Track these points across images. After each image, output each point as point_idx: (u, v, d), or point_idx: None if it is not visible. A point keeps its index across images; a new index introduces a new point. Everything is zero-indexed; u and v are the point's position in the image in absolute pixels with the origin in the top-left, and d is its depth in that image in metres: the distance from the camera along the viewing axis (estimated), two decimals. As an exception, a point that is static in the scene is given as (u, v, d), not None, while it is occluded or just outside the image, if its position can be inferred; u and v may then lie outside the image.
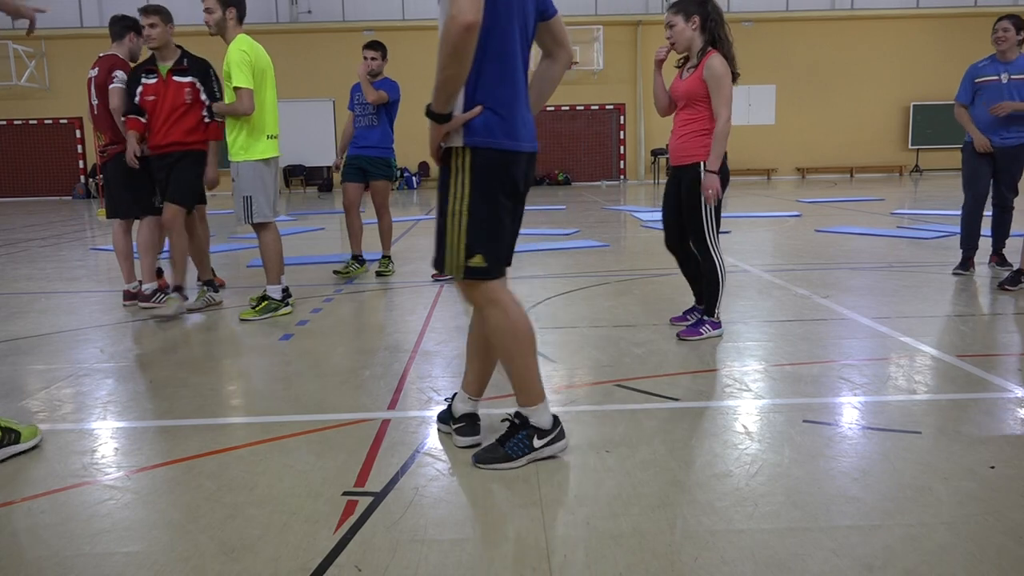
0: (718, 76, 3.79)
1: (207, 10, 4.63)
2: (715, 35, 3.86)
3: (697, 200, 3.95)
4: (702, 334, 4.02)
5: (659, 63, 4.09)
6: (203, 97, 5.03)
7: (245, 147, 4.76)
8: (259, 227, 4.89)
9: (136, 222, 5.40)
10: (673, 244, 4.25)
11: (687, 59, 4.00)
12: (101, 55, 5.35)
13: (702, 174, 3.91)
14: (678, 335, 4.06)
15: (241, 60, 4.58)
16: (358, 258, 6.50)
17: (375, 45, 6.19)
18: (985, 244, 5.92)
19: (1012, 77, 5.43)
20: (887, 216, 10.57)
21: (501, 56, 2.30)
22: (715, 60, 3.81)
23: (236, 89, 4.61)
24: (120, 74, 5.18)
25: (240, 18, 4.73)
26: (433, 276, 6.04)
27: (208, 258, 5.42)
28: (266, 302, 4.88)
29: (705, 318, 4.09)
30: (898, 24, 21.99)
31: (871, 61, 22.13)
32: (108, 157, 5.29)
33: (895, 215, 10.68)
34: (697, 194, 3.94)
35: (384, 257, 6.47)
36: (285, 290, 5.02)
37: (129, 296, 5.37)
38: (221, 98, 4.94)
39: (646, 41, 22.13)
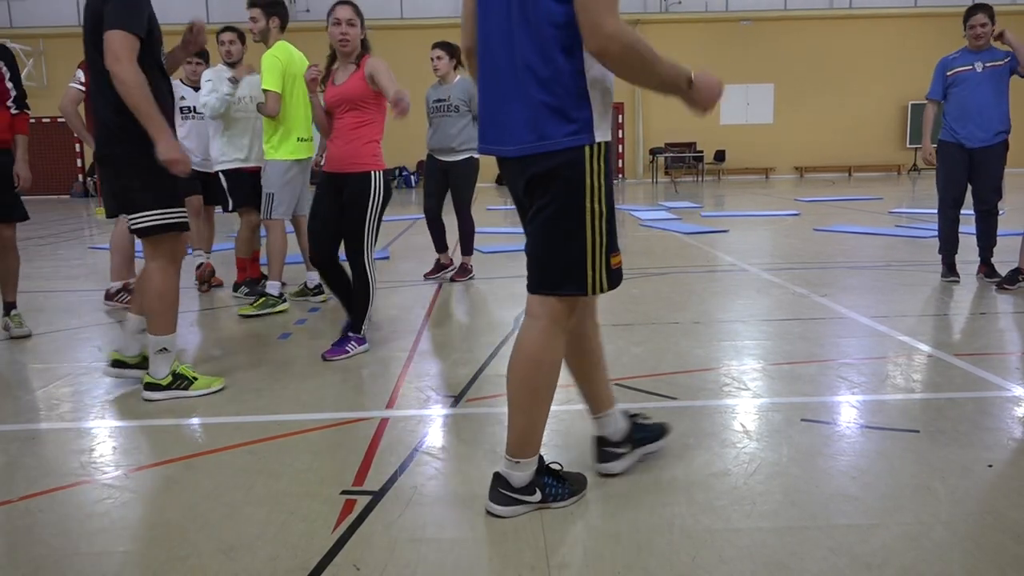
0: (384, 69, 3.77)
1: (252, 19, 4.83)
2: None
3: (363, 211, 3.82)
4: (348, 352, 3.82)
5: (315, 82, 3.97)
6: (8, 84, 4.42)
7: (276, 146, 4.96)
8: (270, 224, 5.01)
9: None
10: (324, 259, 3.93)
11: (329, 71, 3.97)
12: None
13: (372, 183, 3.81)
14: (323, 355, 3.80)
15: (271, 65, 4.77)
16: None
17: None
18: (968, 245, 5.61)
19: (987, 65, 5.25)
20: (885, 215, 10.58)
21: None
22: (375, 59, 3.83)
23: (264, 91, 4.82)
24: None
25: (283, 26, 4.92)
26: (426, 276, 6.05)
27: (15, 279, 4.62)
28: (263, 298, 4.91)
29: (351, 335, 3.90)
30: (896, 23, 22.00)
31: (869, 60, 22.14)
32: None
33: (893, 214, 10.68)
34: (364, 204, 3.81)
35: None
36: (282, 287, 5.10)
37: (109, 296, 5.33)
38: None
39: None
